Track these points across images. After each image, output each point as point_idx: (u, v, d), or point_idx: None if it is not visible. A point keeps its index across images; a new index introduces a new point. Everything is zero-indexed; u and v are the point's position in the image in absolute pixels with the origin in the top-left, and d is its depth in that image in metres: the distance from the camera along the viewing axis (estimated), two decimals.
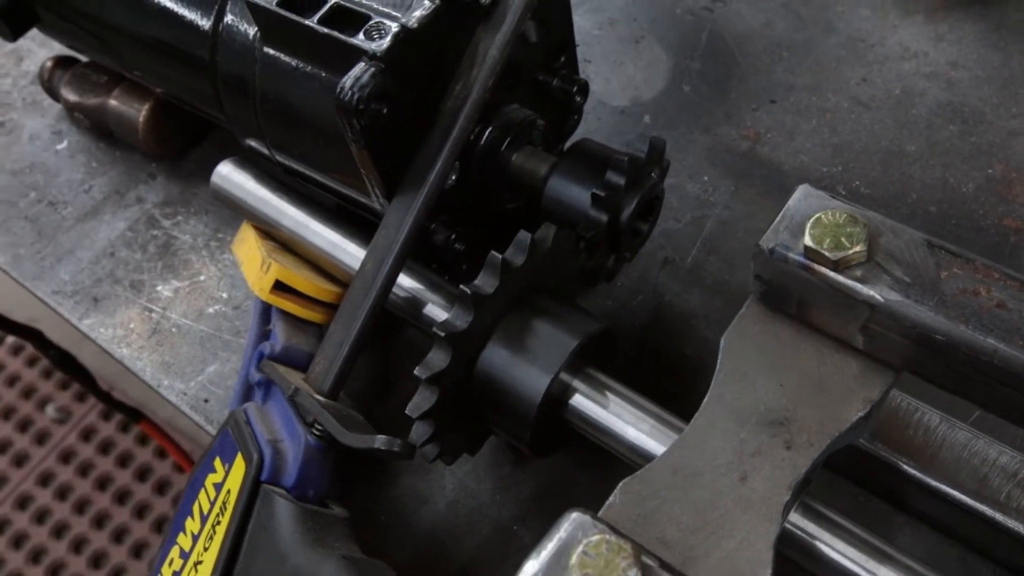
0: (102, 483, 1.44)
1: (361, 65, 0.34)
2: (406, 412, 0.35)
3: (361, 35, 0.35)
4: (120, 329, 0.50)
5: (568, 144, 0.44)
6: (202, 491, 0.41)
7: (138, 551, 1.39)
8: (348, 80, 0.33)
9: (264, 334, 0.47)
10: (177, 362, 0.49)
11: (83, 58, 0.60)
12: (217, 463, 0.41)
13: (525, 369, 0.36)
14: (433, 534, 0.42)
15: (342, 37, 0.36)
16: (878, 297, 0.27)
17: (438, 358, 0.34)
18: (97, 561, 1.38)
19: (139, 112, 0.54)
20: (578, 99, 0.48)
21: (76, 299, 0.52)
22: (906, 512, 0.37)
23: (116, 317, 0.51)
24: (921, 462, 0.35)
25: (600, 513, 0.28)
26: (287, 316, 0.44)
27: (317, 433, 0.36)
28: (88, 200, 0.57)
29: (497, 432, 0.40)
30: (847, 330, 0.30)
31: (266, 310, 0.47)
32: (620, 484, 0.30)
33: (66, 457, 1.47)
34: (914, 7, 0.57)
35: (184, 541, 0.41)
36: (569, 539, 0.26)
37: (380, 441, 0.33)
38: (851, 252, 0.28)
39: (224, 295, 0.51)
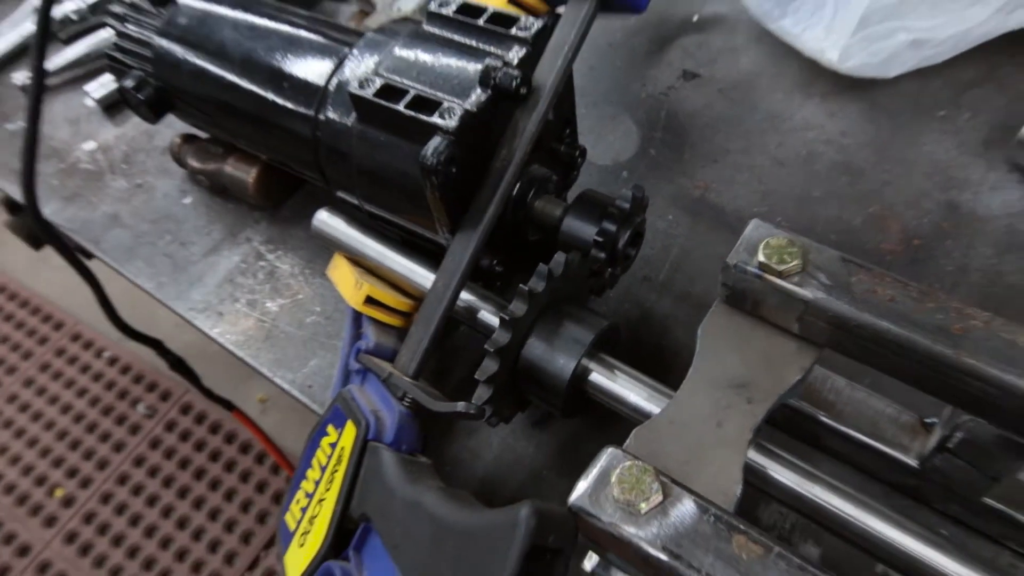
0: (183, 463, 1.43)
1: (437, 138, 0.36)
2: (475, 377, 0.37)
3: (436, 116, 0.37)
4: (241, 336, 0.50)
5: (573, 192, 0.45)
6: (319, 450, 0.42)
7: (214, 515, 1.38)
8: (429, 149, 0.35)
9: (357, 335, 0.46)
10: (286, 359, 0.49)
11: (203, 135, 0.59)
12: (330, 429, 0.41)
13: (557, 356, 0.37)
14: (484, 479, 0.44)
15: (424, 117, 0.37)
16: (810, 296, 0.30)
17: (499, 337, 0.36)
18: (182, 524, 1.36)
19: (249, 175, 0.54)
20: (579, 160, 0.49)
21: (206, 314, 0.52)
22: (823, 451, 0.39)
23: (238, 326, 0.51)
24: (832, 414, 0.38)
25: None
26: (375, 322, 0.44)
27: (407, 404, 0.38)
28: (210, 240, 0.57)
29: (536, 401, 0.42)
30: (787, 320, 0.32)
31: (357, 318, 0.47)
32: (633, 432, 0.32)
33: (154, 444, 1.46)
34: (813, 92, 0.58)
35: (307, 486, 0.42)
36: (608, 465, 0.28)
37: (460, 406, 0.35)
38: (791, 265, 0.30)
39: (318, 309, 0.52)
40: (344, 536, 0.38)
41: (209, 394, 0.74)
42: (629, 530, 0.27)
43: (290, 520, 0.42)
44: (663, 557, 0.26)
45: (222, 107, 0.49)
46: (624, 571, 0.33)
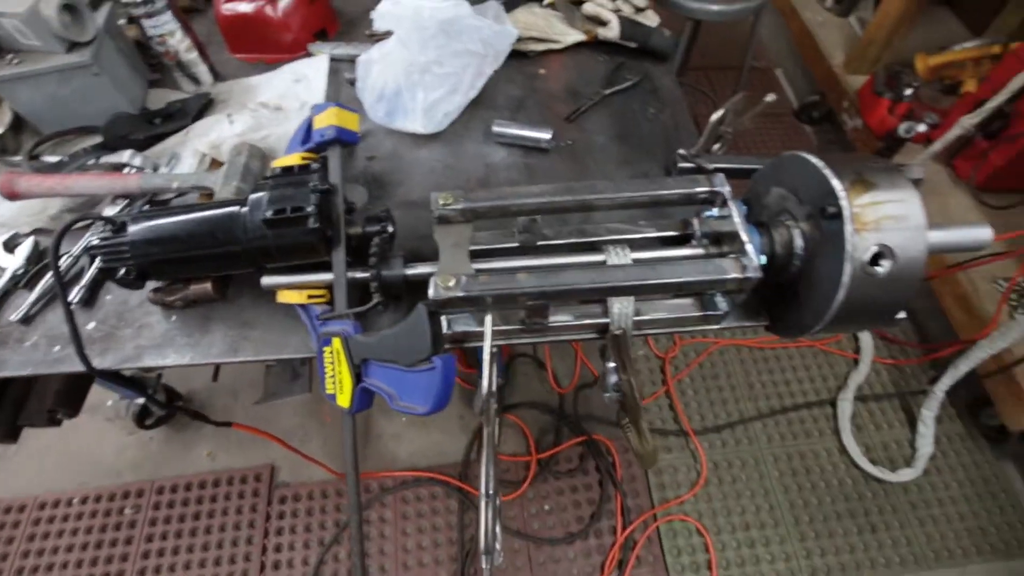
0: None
1: (311, 220, 0.65)
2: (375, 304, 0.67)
3: (306, 214, 0.65)
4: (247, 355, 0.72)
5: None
6: (325, 356, 0.59)
7: None
8: (309, 224, 0.64)
9: (309, 316, 0.65)
10: (268, 344, 0.72)
11: (160, 284, 0.67)
12: (325, 349, 0.58)
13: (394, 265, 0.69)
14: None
15: (299, 215, 0.61)
16: (461, 207, 0.68)
17: (374, 275, 0.67)
18: None
19: (207, 286, 0.66)
20: (354, 205, 0.81)
21: (220, 356, 0.72)
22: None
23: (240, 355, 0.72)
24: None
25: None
26: (314, 306, 0.66)
27: (351, 319, 0.67)
28: (200, 328, 0.68)
29: (378, 297, 0.71)
30: (457, 219, 0.70)
31: (304, 308, 0.64)
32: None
33: (150, 538, 1.39)
34: (420, 143, 0.96)
35: (328, 368, 0.59)
36: (436, 275, 0.64)
37: (365, 307, 0.67)
38: (450, 201, 0.68)
39: (258, 331, 0.74)
40: (357, 375, 0.59)
41: (206, 419, 0.85)
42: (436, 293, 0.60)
43: (328, 386, 0.60)
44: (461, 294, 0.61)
45: (185, 262, 0.63)
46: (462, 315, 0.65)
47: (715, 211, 0.69)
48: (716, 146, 0.94)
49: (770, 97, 1.00)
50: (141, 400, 1.34)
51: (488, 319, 0.61)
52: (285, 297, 0.67)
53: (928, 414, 1.61)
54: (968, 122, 1.55)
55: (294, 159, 0.69)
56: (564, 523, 1.49)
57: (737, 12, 1.61)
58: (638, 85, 1.01)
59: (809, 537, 1.50)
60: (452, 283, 0.58)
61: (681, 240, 0.75)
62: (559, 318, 0.69)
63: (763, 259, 0.65)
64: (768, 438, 1.66)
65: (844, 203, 0.57)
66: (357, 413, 0.63)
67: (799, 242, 0.66)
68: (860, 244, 0.57)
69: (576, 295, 0.60)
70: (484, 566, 0.59)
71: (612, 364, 0.70)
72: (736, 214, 0.66)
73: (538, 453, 1.57)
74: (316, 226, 0.61)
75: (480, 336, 0.61)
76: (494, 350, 0.61)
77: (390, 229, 0.69)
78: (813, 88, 2.41)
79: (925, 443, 1.60)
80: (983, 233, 0.71)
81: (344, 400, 0.63)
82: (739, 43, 1.80)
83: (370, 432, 1.63)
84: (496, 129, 0.91)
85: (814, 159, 0.62)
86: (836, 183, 0.58)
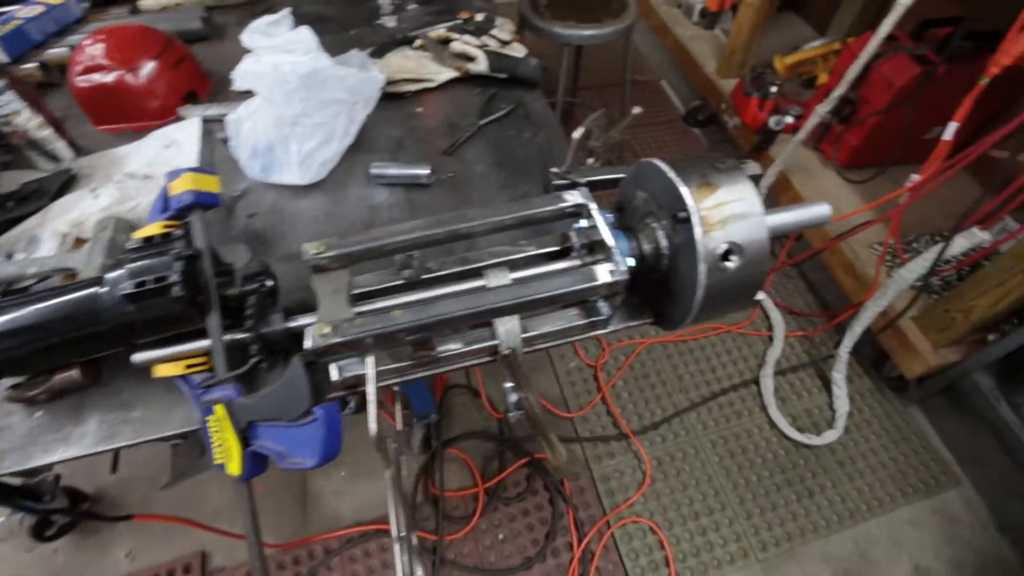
0: None
1: (176, 287, 0.63)
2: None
3: (170, 282, 0.64)
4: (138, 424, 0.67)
5: None
6: (209, 425, 0.56)
7: None
8: (175, 294, 0.62)
9: (191, 386, 0.62)
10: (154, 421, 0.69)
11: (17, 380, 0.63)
12: (209, 419, 0.56)
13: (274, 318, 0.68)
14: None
15: (162, 285, 0.62)
16: (335, 253, 0.68)
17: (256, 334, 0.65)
18: None
19: (74, 372, 0.63)
20: (234, 267, 0.79)
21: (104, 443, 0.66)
22: None
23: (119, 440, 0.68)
24: None
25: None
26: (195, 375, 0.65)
27: (233, 383, 0.65)
28: (71, 418, 0.64)
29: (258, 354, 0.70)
30: (334, 265, 0.70)
31: (183, 378, 0.62)
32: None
33: None
34: (301, 193, 0.96)
35: (215, 438, 0.56)
36: (313, 325, 0.63)
37: (241, 370, 0.65)
38: (322, 248, 0.68)
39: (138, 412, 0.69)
40: (244, 439, 0.56)
41: (103, 518, 0.77)
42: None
43: (217, 456, 0.57)
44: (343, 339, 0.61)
45: (44, 351, 0.60)
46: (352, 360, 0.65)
47: (583, 222, 0.73)
48: (591, 160, 1.00)
49: (636, 110, 1.08)
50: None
51: (369, 360, 0.61)
52: (162, 371, 0.65)
53: (839, 376, 1.74)
54: (822, 110, 1.72)
55: (155, 228, 0.67)
56: (520, 549, 1.47)
57: (608, 35, 1.72)
58: (512, 112, 1.06)
59: (755, 514, 1.56)
60: (328, 330, 0.58)
61: (562, 253, 0.79)
62: (450, 347, 0.70)
63: (631, 261, 0.69)
64: (703, 426, 1.72)
65: (692, 207, 0.61)
66: (249, 479, 0.60)
67: (664, 242, 0.70)
68: (710, 244, 0.62)
69: (454, 323, 0.62)
70: None
71: (509, 384, 0.72)
72: (600, 222, 0.70)
73: (484, 483, 1.55)
74: (182, 294, 0.60)
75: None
76: (396, 389, 0.61)
77: (268, 284, 0.68)
78: (695, 95, 2.61)
79: (841, 403, 1.72)
80: (822, 210, 0.79)
81: (234, 468, 0.61)
82: (621, 62, 1.92)
83: (308, 493, 1.56)
84: (374, 171, 0.92)
85: (664, 166, 0.67)
86: (684, 189, 0.63)
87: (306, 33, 0.85)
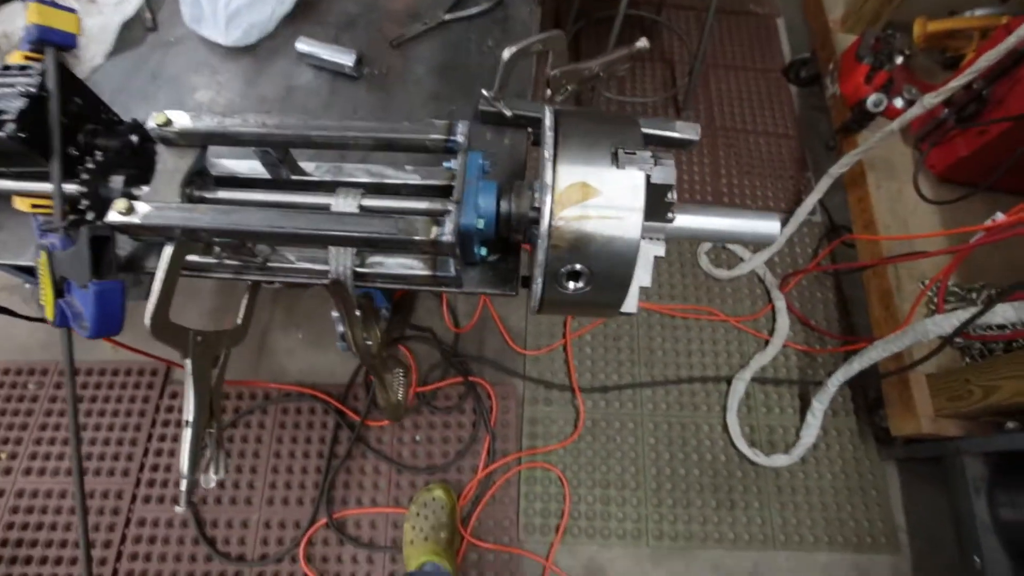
0: None
1: (11, 125, 0.63)
2: None
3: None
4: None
5: None
6: (39, 269, 0.68)
7: None
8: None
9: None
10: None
11: None
12: (38, 261, 0.68)
13: None
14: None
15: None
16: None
17: None
18: None
19: None
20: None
21: None
22: None
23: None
24: None
25: None
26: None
27: (62, 232, 0.67)
28: None
29: None
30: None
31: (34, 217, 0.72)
32: None
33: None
34: (216, 53, 0.91)
35: (41, 279, 0.69)
36: None
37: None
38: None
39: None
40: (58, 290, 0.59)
41: None
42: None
43: (41, 296, 0.59)
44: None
45: None
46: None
47: (453, 163, 0.64)
48: (558, 97, 0.86)
49: (641, 43, 0.90)
50: None
51: (167, 250, 0.59)
52: (18, 204, 0.67)
53: (819, 406, 1.58)
54: (930, 101, 1.38)
55: (16, 57, 0.65)
56: (430, 455, 1.55)
57: None
58: (488, 13, 0.91)
59: (665, 504, 1.53)
60: (123, 208, 0.56)
61: (448, 191, 0.71)
62: (284, 258, 0.68)
63: (481, 222, 0.61)
64: (653, 405, 1.65)
65: (545, 215, 0.51)
66: (63, 327, 0.63)
67: (532, 214, 0.61)
68: (553, 261, 0.52)
69: (253, 237, 0.58)
70: (181, 489, 0.62)
71: (336, 313, 0.69)
72: (462, 169, 0.61)
73: (419, 386, 1.60)
74: (15, 134, 0.59)
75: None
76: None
77: (134, 140, 0.66)
78: (807, 44, 2.18)
79: (809, 433, 1.58)
80: (762, 226, 0.66)
81: (49, 313, 0.64)
82: None
83: (265, 346, 1.68)
84: (301, 47, 0.84)
85: (561, 136, 0.55)
86: (549, 179, 0.51)
87: None
